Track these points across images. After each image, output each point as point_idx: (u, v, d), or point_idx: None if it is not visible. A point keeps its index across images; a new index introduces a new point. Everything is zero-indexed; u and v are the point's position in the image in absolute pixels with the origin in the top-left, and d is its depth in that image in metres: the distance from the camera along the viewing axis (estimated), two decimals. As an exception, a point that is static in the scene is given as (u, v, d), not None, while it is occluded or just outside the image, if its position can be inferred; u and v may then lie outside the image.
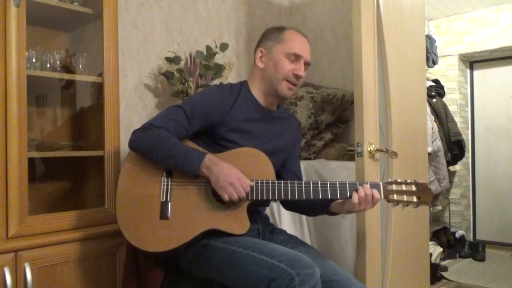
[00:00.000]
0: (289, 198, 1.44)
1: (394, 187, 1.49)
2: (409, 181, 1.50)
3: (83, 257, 1.67)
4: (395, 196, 1.48)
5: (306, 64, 1.59)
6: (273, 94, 1.59)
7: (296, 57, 1.55)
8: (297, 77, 1.56)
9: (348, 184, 1.45)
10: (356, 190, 1.44)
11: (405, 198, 1.48)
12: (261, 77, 1.59)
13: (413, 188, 1.49)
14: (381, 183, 1.48)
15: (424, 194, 1.48)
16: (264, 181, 1.45)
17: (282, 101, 1.67)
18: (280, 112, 1.67)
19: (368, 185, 1.45)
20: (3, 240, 1.51)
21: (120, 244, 1.74)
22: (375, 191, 1.45)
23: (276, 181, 1.45)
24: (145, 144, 1.44)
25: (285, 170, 1.67)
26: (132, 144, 1.47)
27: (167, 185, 1.45)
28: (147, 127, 1.45)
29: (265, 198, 1.44)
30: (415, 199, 1.48)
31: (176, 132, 1.46)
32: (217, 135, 1.52)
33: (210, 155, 1.42)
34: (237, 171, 1.41)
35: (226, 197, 1.38)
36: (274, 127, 1.63)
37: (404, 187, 1.49)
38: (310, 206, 1.62)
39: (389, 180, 1.51)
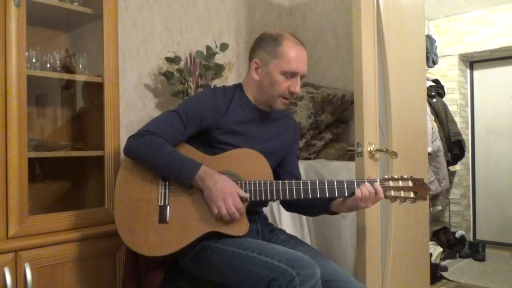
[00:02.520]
0: (288, 198, 1.44)
1: (391, 183, 1.49)
2: (405, 176, 1.50)
3: (83, 257, 1.67)
4: (392, 192, 1.48)
5: (302, 76, 1.55)
6: (267, 104, 1.58)
7: (293, 74, 1.51)
8: (293, 93, 1.53)
9: (346, 182, 1.45)
10: (359, 187, 1.44)
11: (402, 194, 1.48)
12: (256, 88, 1.56)
13: (410, 183, 1.49)
14: (378, 180, 1.48)
15: (421, 189, 1.48)
16: (262, 182, 1.44)
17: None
18: (276, 112, 1.65)
19: (367, 183, 1.45)
20: (3, 240, 1.51)
21: (120, 244, 1.73)
22: (378, 188, 1.45)
23: (274, 182, 1.45)
24: (140, 151, 1.44)
25: (283, 171, 1.67)
26: (127, 150, 1.46)
27: (165, 189, 1.45)
28: (142, 134, 1.45)
29: (263, 199, 1.44)
30: (412, 195, 1.48)
31: (172, 137, 1.45)
32: (213, 138, 1.51)
33: (205, 166, 1.41)
34: (231, 185, 1.39)
35: (215, 211, 1.38)
36: (270, 128, 1.62)
37: (401, 183, 1.49)
38: (310, 206, 1.61)
39: (386, 176, 1.51)
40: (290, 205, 1.71)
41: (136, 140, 1.44)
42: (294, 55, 1.50)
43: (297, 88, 1.52)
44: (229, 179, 1.41)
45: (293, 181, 1.46)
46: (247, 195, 1.42)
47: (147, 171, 1.46)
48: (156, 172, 1.45)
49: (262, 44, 1.55)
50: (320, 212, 1.62)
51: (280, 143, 1.63)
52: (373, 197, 1.44)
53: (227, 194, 1.37)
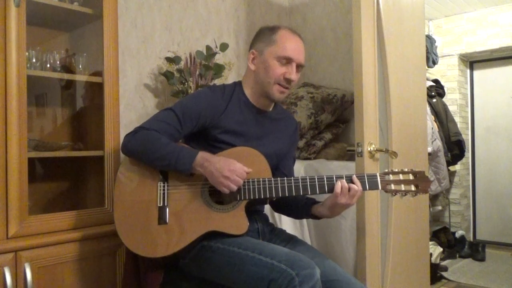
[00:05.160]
0: (287, 194, 1.44)
1: (391, 177, 1.47)
2: (406, 170, 1.49)
3: (83, 257, 1.67)
4: (392, 186, 1.46)
5: (299, 66, 1.55)
6: (265, 96, 1.57)
7: (288, 60, 1.51)
8: (289, 80, 1.52)
9: (345, 176, 1.45)
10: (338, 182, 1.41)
11: (403, 187, 1.47)
12: (253, 79, 1.56)
13: (411, 177, 1.48)
14: (378, 174, 1.47)
15: (422, 182, 1.47)
16: (261, 179, 1.44)
17: (277, 102, 1.63)
18: (277, 112, 1.65)
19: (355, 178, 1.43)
20: (3, 240, 1.51)
21: (120, 244, 1.73)
22: (354, 185, 1.42)
23: (272, 179, 1.45)
24: (137, 147, 1.44)
25: (277, 171, 1.66)
26: (125, 147, 1.47)
27: (164, 190, 1.45)
28: (137, 130, 1.45)
29: (262, 196, 1.43)
30: (413, 188, 1.47)
31: (168, 133, 1.45)
32: (211, 137, 1.51)
33: (202, 152, 1.41)
34: (229, 162, 1.39)
35: (225, 191, 1.38)
36: (270, 129, 1.61)
37: (401, 177, 1.48)
38: (295, 209, 1.62)
39: (386, 170, 1.50)
40: (278, 207, 1.70)
41: (131, 137, 1.45)
42: (288, 41, 1.52)
43: (292, 75, 1.51)
44: (226, 158, 1.40)
45: (292, 178, 1.45)
46: (250, 169, 1.41)
47: (146, 172, 1.46)
48: (155, 165, 1.44)
49: (259, 36, 1.58)
50: (303, 216, 1.62)
51: (279, 145, 1.63)
52: (354, 194, 1.42)
53: (229, 172, 1.37)
